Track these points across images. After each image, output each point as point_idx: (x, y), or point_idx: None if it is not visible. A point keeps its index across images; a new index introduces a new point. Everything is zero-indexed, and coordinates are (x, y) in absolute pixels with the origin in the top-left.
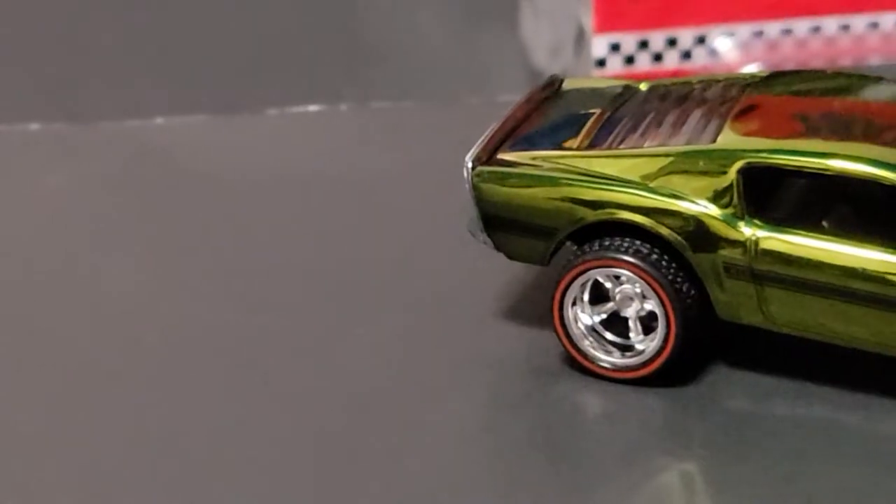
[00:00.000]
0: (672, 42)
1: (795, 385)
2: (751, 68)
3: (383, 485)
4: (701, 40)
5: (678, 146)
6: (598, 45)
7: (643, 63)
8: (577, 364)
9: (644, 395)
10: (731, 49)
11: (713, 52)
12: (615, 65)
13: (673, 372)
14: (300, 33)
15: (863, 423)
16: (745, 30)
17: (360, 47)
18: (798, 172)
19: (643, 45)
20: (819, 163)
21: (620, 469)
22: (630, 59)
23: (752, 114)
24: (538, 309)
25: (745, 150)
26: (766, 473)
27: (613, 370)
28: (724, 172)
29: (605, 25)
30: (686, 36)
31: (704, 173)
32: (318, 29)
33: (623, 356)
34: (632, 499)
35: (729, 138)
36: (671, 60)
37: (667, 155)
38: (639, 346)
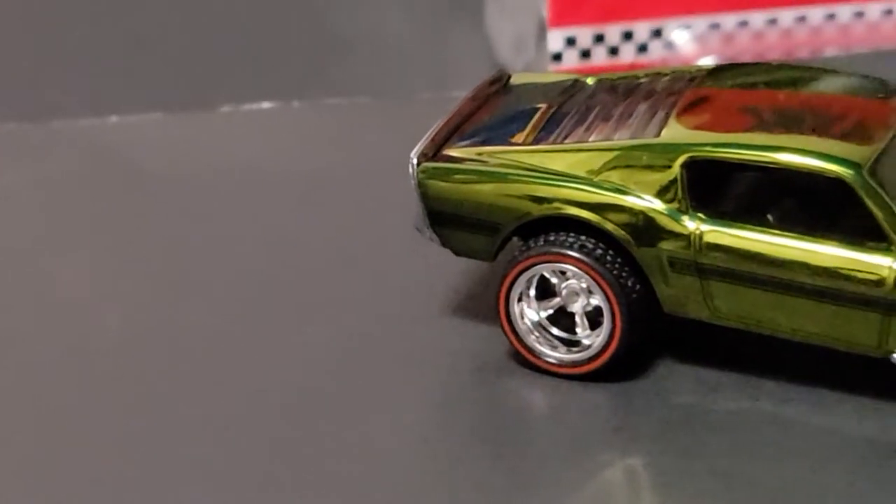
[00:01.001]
0: (628, 35)
1: (741, 379)
2: (707, 61)
3: (329, 480)
4: (657, 33)
5: (622, 141)
6: (554, 40)
7: (599, 57)
8: (524, 360)
9: (590, 390)
10: (687, 42)
11: (670, 45)
12: (571, 59)
13: (619, 367)
14: (255, 30)
15: (807, 417)
16: (701, 22)
17: (319, 43)
18: (743, 166)
19: (599, 38)
20: (763, 156)
21: (565, 465)
22: (586, 53)
23: (698, 107)
24: (486, 305)
25: (688, 144)
26: (711, 468)
27: (560, 366)
28: (669, 167)
29: (560, 20)
30: (642, 29)
31: (649, 168)
32: (274, 25)
33: (569, 351)
34: (576, 494)
35: (673, 132)
36: (627, 54)
37: (611, 149)
38: (585, 342)
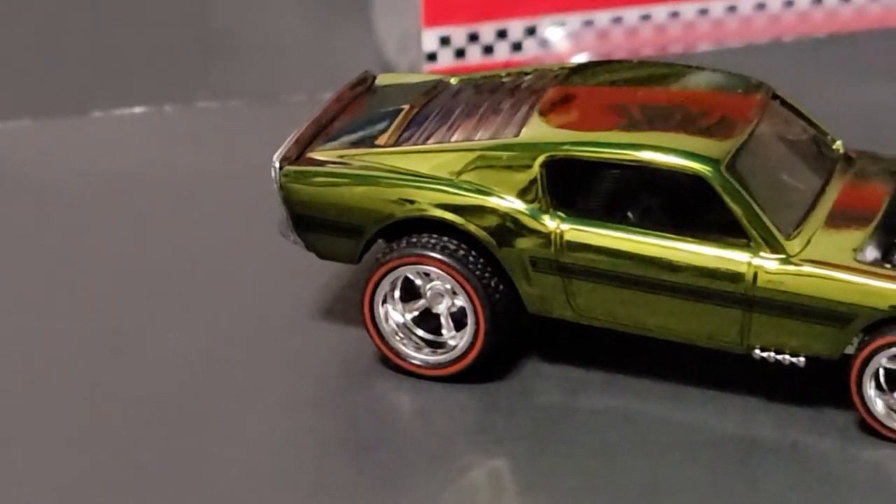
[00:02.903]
0: (502, 34)
1: (606, 377)
2: (581, 58)
3: (195, 486)
4: (531, 31)
5: (483, 141)
6: (428, 39)
7: (474, 56)
8: (391, 362)
9: (456, 392)
10: (561, 39)
11: (544, 43)
12: (446, 58)
13: (485, 368)
14: (126, 33)
15: (671, 413)
16: (574, 19)
17: (195, 45)
18: (605, 164)
19: (473, 37)
20: (622, 154)
21: (430, 467)
22: (461, 53)
23: (560, 106)
24: (353, 308)
25: (547, 143)
26: (576, 467)
27: (426, 367)
28: (529, 166)
29: (434, 19)
30: (516, 27)
31: (509, 167)
32: (147, 28)
33: (435, 353)
34: (440, 497)
35: (533, 131)
36: (502, 52)
37: (472, 150)
38: (450, 343)
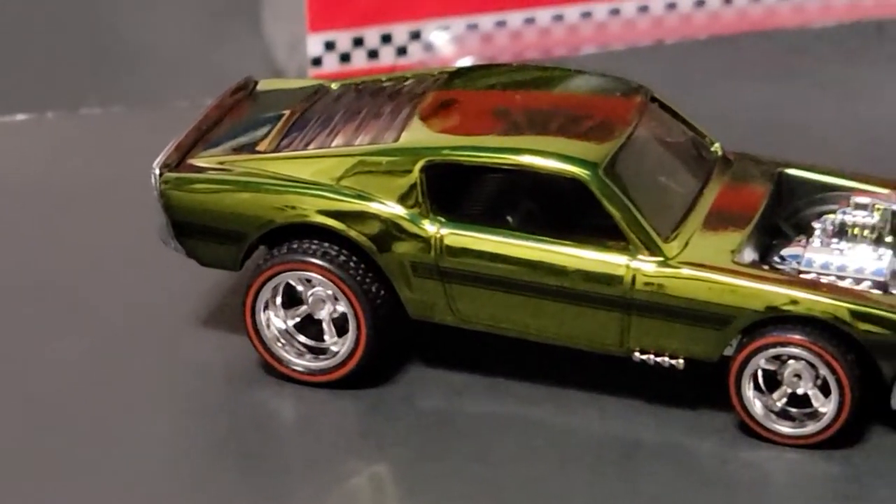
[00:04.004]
0: (387, 38)
1: (488, 381)
2: (466, 61)
3: (74, 495)
4: (416, 35)
5: (363, 146)
6: (313, 44)
7: (359, 60)
8: (273, 369)
9: (339, 398)
10: (446, 43)
11: (429, 47)
12: (332, 63)
13: (367, 374)
14: (6, 39)
15: (553, 417)
16: (459, 23)
17: (80, 51)
18: (486, 168)
19: (358, 42)
20: (501, 158)
21: (311, 474)
22: (346, 57)
23: (440, 110)
24: (236, 315)
25: (427, 148)
26: (458, 471)
27: (308, 374)
28: (409, 171)
29: (319, 24)
30: (401, 31)
31: (389, 172)
32: (28, 33)
33: (317, 359)
34: (322, 503)
35: (412, 136)
36: (387, 57)
37: (353, 155)
38: (332, 349)
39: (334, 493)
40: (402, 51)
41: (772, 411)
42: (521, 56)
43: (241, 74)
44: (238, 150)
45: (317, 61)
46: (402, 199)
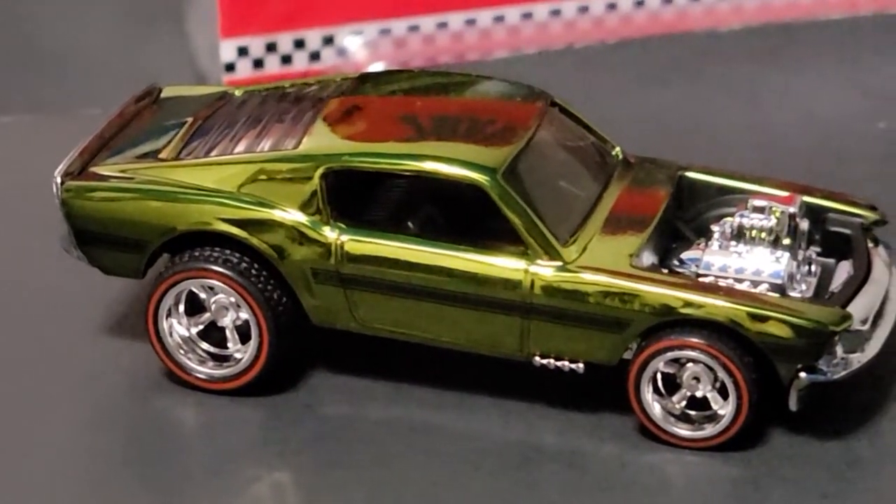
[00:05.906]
0: (300, 43)
1: (391, 387)
2: (379, 66)
3: None
4: (329, 40)
5: (264, 153)
6: (227, 50)
7: (272, 66)
8: (176, 377)
9: (241, 405)
10: (359, 48)
11: (342, 52)
12: (245, 69)
13: (270, 381)
14: None
15: (455, 422)
16: (372, 28)
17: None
18: (387, 174)
19: (271, 47)
20: (400, 164)
21: (213, 481)
22: (259, 63)
23: (342, 116)
24: (139, 323)
25: (326, 155)
26: (360, 478)
27: (211, 381)
28: (309, 178)
29: (231, 30)
30: (314, 36)
31: (290, 179)
32: None
33: (220, 367)
34: None
35: (313, 142)
36: (300, 62)
37: (254, 162)
38: (236, 356)
39: (236, 501)
40: (315, 56)
41: (671, 414)
42: (435, 61)
43: (164, 81)
44: (141, 157)
45: (230, 67)
46: (303, 206)
